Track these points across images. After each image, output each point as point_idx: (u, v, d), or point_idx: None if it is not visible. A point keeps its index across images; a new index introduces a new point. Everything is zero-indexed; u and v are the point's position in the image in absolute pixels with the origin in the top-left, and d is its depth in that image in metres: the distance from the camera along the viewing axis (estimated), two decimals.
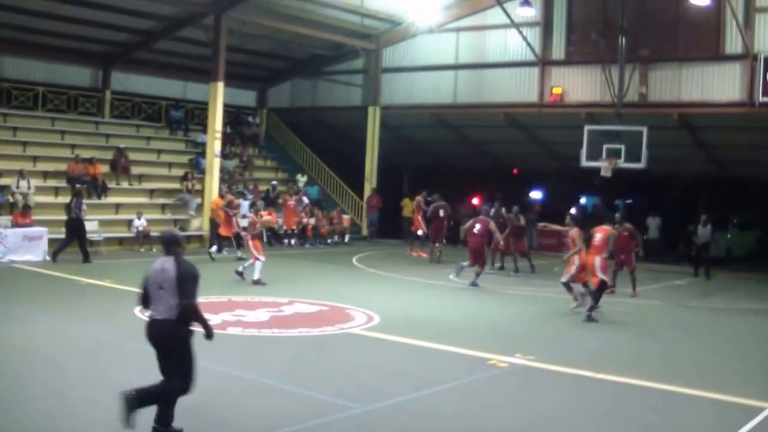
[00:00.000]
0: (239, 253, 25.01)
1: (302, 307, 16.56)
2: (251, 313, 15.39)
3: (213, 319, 14.38)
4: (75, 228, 23.45)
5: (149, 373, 8.29)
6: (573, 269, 17.38)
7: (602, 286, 16.85)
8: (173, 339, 8.11)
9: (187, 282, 8.08)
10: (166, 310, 8.06)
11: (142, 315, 9.83)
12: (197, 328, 8.24)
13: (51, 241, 23.35)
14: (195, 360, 8.22)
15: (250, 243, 20.42)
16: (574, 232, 17.58)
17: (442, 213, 27.50)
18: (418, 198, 29.43)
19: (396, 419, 9.36)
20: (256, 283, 19.64)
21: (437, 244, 27.36)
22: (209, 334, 8.28)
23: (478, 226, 21.72)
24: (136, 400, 7.87)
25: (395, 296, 19.29)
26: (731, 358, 13.64)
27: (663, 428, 9.54)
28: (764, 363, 13.36)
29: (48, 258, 22.81)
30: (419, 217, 29.05)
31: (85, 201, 24.71)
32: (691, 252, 27.64)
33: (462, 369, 11.73)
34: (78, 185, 26.51)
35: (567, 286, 17.75)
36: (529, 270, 24.83)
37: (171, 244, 8.37)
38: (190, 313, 8.09)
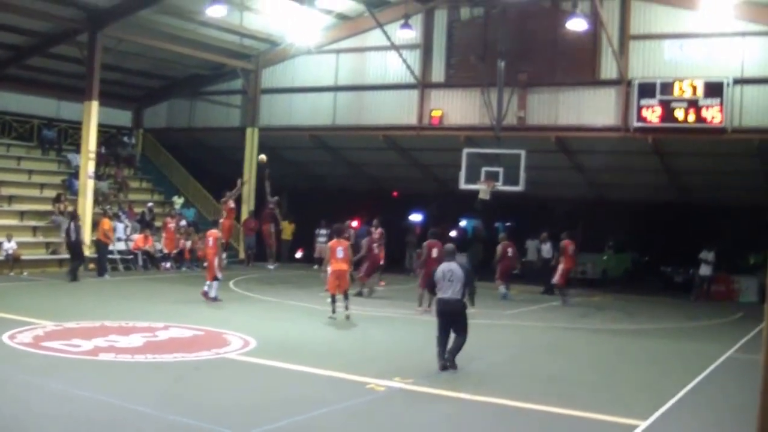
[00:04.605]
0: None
1: (177, 331, 16.15)
2: (125, 338, 14.91)
3: (84, 344, 13.96)
4: (74, 249, 25.05)
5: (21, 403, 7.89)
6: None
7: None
8: (461, 310, 13.41)
9: (470, 275, 13.79)
10: (454, 293, 13.29)
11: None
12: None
13: None
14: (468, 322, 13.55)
15: (215, 262, 21.52)
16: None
17: (510, 252, 26.06)
18: (371, 229, 28.83)
19: None
20: (210, 299, 21.22)
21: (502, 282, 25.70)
22: (473, 303, 14.81)
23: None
24: (452, 356, 13.28)
25: (272, 320, 19.03)
26: (607, 378, 13.91)
27: None
28: (637, 382, 13.62)
29: None
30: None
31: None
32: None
33: (340, 393, 11.59)
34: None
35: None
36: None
37: (452, 254, 14.13)
38: (472, 292, 14.51)
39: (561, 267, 25.47)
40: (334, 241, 19.42)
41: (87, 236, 27.02)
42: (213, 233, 22.25)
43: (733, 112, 25.73)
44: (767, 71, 25.64)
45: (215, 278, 21.54)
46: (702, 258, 29.16)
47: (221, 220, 25.27)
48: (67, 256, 27.65)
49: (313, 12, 30.19)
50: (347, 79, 32.83)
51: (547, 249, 28.25)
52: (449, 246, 14.60)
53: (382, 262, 27.75)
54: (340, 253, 18.97)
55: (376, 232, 28.61)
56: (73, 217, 25.50)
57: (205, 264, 30.06)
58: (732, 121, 25.74)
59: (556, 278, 25.53)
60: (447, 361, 13.23)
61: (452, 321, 13.36)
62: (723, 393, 13.14)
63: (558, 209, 34.88)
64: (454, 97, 30.52)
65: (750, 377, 3.04)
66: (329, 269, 19.06)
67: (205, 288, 21.55)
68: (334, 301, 19.00)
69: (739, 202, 30.85)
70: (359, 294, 23.87)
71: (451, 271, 13.38)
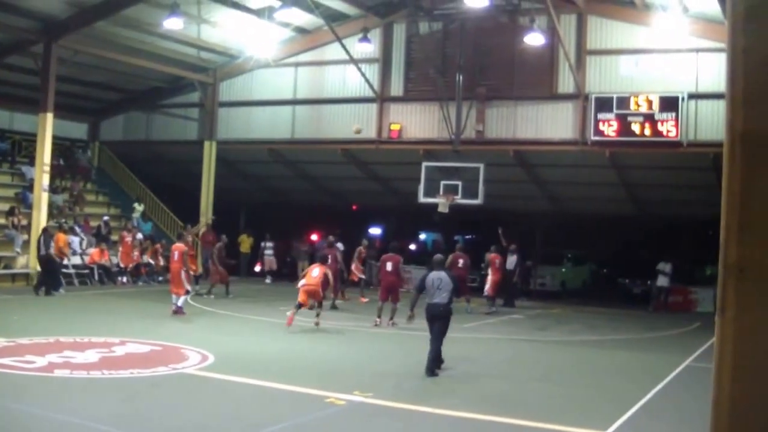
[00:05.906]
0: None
1: (134, 347, 15.93)
2: (80, 354, 14.65)
3: (39, 361, 13.71)
4: (45, 263, 24.99)
5: None
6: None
7: None
8: (448, 314, 14.56)
9: (455, 282, 14.89)
10: (443, 298, 14.40)
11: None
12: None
13: None
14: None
15: (182, 275, 21.41)
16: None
17: (461, 263, 25.77)
18: (361, 249, 29.02)
19: None
20: (177, 312, 21.07)
21: (465, 297, 25.14)
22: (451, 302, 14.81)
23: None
24: (433, 363, 14.14)
25: (230, 334, 18.89)
26: (568, 389, 13.94)
27: None
28: (598, 392, 13.70)
29: None
30: (358, 266, 28.56)
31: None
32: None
33: (299, 408, 11.49)
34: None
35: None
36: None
37: (441, 263, 15.49)
38: (453, 297, 14.76)
39: (490, 279, 26.31)
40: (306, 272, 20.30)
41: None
42: (178, 247, 22.06)
43: (688, 126, 26.01)
44: (721, 86, 25.80)
45: (187, 291, 21.62)
46: (659, 269, 29.45)
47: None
48: (19, 270, 27.37)
49: (272, 25, 30.04)
50: (306, 92, 32.68)
51: (512, 261, 28.19)
52: (438, 256, 15.99)
53: (364, 276, 28.25)
54: (315, 272, 19.58)
55: (364, 249, 29.03)
56: (44, 230, 25.21)
57: (161, 278, 30.21)
58: (687, 135, 26.03)
59: (487, 289, 26.35)
60: (429, 369, 14.11)
61: (438, 322, 14.45)
62: (683, 401, 13.22)
63: (517, 222, 35.09)
64: (413, 111, 30.54)
65: (708, 385, 3.04)
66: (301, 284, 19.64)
67: (175, 304, 21.39)
68: (299, 308, 19.25)
69: (695, 215, 31.15)
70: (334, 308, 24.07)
71: (440, 279, 14.60)
